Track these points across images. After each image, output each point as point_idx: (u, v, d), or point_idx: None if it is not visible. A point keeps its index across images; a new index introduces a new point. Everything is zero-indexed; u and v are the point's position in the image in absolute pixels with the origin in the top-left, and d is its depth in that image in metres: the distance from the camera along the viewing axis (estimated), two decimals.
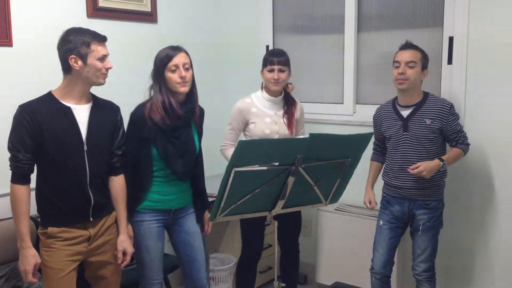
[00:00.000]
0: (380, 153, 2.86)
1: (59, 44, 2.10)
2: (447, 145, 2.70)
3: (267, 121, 2.83)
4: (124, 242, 2.33)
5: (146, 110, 2.36)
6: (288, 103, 2.90)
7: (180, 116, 2.36)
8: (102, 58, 2.12)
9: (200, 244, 2.58)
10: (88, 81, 2.13)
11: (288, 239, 3.00)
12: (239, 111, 2.85)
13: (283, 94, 2.89)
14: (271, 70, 2.78)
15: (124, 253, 2.33)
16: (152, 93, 2.41)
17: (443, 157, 2.58)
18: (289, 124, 2.85)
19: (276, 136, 2.79)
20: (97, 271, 2.30)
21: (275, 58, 2.78)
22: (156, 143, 2.36)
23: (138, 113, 2.38)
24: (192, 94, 2.42)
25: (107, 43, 2.19)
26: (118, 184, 2.34)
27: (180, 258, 2.60)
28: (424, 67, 2.60)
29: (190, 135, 2.44)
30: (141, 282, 2.55)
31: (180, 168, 2.40)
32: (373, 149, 2.89)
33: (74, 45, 2.06)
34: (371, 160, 2.90)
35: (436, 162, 2.54)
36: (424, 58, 2.60)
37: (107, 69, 2.15)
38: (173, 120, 2.36)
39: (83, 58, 2.07)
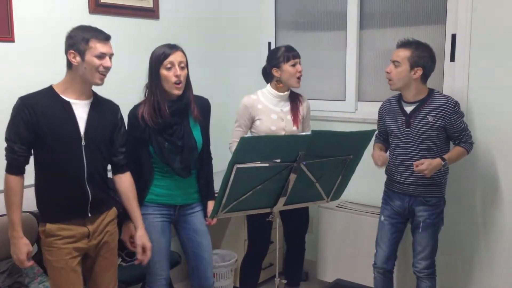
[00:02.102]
0: (383, 141, 2.84)
1: (65, 40, 2.13)
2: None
3: (273, 117, 2.82)
4: (143, 237, 2.36)
5: (140, 110, 2.39)
6: (293, 99, 2.90)
7: (167, 115, 2.36)
8: (101, 56, 2.11)
9: (208, 243, 2.58)
10: (84, 79, 2.13)
11: (296, 237, 3.02)
12: (245, 107, 2.84)
13: (289, 91, 2.89)
14: (295, 64, 2.78)
15: (144, 249, 2.35)
16: (146, 93, 2.43)
17: (445, 156, 2.56)
18: (295, 120, 2.85)
19: (283, 133, 2.79)
20: (94, 266, 2.29)
21: (296, 52, 2.80)
22: (152, 142, 2.39)
23: (132, 113, 2.42)
24: (184, 92, 2.41)
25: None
26: (126, 181, 2.36)
27: (187, 255, 2.60)
28: (415, 65, 2.54)
29: (186, 131, 2.43)
30: (147, 278, 2.55)
31: (178, 164, 2.40)
32: (375, 138, 2.85)
33: (74, 41, 2.10)
34: (375, 143, 2.83)
35: (437, 161, 2.53)
36: (416, 57, 2.53)
37: (105, 68, 2.13)
38: (164, 117, 2.36)
39: (81, 54, 2.09)
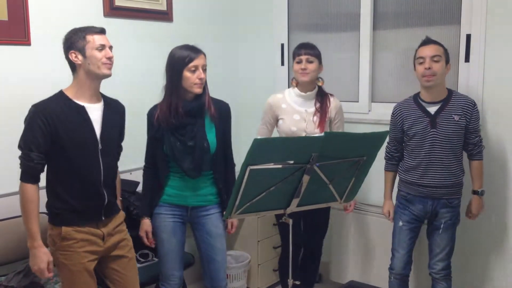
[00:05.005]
0: (395, 161, 2.79)
1: (62, 46, 2.15)
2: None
3: (296, 118, 2.81)
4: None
5: (157, 110, 2.43)
6: (322, 100, 2.86)
7: (181, 115, 2.38)
8: (101, 48, 2.12)
9: (222, 245, 2.58)
10: (92, 75, 2.13)
11: (314, 239, 3.01)
12: (270, 106, 2.89)
13: (316, 90, 2.86)
14: (299, 61, 2.79)
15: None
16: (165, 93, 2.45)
17: (475, 188, 2.69)
18: (320, 122, 2.79)
19: (303, 134, 2.77)
20: (113, 265, 2.30)
21: (302, 49, 2.80)
22: (164, 141, 2.42)
23: (150, 113, 2.48)
24: (201, 93, 2.43)
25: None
26: (118, 178, 2.43)
27: (201, 257, 2.62)
28: (447, 61, 2.58)
29: (199, 132, 2.44)
30: (160, 279, 2.58)
31: (188, 164, 2.41)
32: (386, 158, 2.81)
33: (71, 41, 2.11)
34: (386, 170, 2.83)
35: (475, 199, 2.69)
36: (446, 52, 2.59)
37: (108, 59, 2.14)
38: (178, 118, 2.39)
39: (82, 51, 2.10)
